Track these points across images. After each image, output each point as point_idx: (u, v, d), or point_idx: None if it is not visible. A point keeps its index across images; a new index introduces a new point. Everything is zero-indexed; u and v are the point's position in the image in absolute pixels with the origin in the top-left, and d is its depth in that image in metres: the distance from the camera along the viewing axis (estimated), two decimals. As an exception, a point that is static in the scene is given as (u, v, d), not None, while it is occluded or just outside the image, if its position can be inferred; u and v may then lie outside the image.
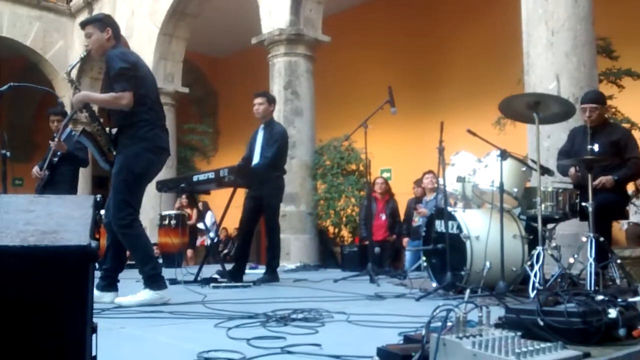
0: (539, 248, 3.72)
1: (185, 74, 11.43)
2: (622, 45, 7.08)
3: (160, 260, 6.78)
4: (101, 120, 3.75)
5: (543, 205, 3.90)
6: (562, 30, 5.14)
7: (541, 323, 1.95)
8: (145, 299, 3.52)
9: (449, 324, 1.59)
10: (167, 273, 3.79)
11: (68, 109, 8.74)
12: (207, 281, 4.94)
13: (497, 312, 2.23)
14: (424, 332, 1.60)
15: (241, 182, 5.02)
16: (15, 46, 12.40)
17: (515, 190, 4.09)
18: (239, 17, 11.15)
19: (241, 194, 5.55)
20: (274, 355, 2.01)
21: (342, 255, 7.86)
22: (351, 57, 11.32)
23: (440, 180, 4.36)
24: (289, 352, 2.05)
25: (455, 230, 4.13)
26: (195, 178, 5.25)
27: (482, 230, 4.02)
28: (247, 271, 5.61)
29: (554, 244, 4.10)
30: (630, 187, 6.35)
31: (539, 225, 3.80)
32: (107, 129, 3.75)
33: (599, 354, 1.84)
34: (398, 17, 10.93)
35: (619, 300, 2.12)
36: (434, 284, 4.22)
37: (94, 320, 1.45)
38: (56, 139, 5.67)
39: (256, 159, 5.45)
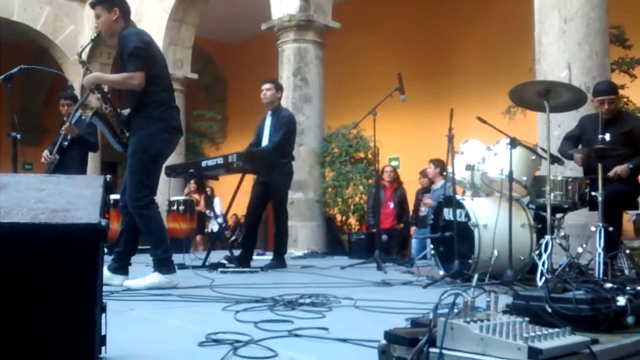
0: (548, 237, 3.71)
1: (195, 60, 11.41)
2: (636, 34, 7.00)
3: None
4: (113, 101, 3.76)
5: (552, 195, 3.88)
6: (575, 18, 5.08)
7: (549, 310, 1.95)
8: (154, 282, 3.55)
9: (456, 309, 1.59)
10: (175, 258, 3.81)
11: (78, 94, 8.76)
12: (214, 266, 4.97)
13: (505, 299, 2.23)
14: (431, 316, 1.60)
15: (250, 168, 5.03)
16: (26, 30, 12.42)
17: (525, 179, 4.07)
18: (248, 3, 11.10)
19: (249, 180, 5.56)
20: (281, 337, 2.02)
21: (349, 242, 7.88)
22: (361, 44, 11.27)
23: (449, 168, 4.35)
24: (297, 335, 2.06)
25: (463, 219, 4.11)
26: (204, 164, 5.27)
27: (490, 219, 4.00)
28: (254, 257, 5.64)
29: (562, 234, 4.08)
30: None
31: (548, 214, 3.78)
32: (119, 110, 3.76)
33: (607, 340, 1.83)
34: (408, 4, 10.84)
35: (628, 288, 2.11)
36: (441, 272, 4.21)
37: (104, 301, 1.46)
38: (67, 123, 5.69)
39: (264, 144, 5.45)
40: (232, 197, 5.54)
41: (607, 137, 4.14)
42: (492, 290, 1.78)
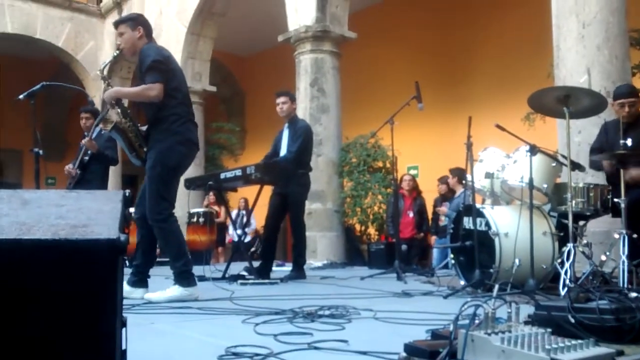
0: (570, 245, 3.65)
1: (213, 72, 11.53)
2: (657, 37, 6.88)
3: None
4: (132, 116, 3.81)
5: (574, 202, 3.82)
6: (594, 23, 5.03)
7: (572, 320, 1.91)
8: (175, 295, 3.56)
9: (477, 320, 1.58)
10: (195, 270, 3.83)
11: (99, 108, 8.88)
12: (234, 278, 4.98)
13: (527, 309, 2.20)
14: (451, 328, 1.59)
15: (267, 179, 5.05)
16: (48, 47, 12.68)
17: (545, 186, 4.02)
18: (265, 15, 11.20)
19: (268, 191, 5.58)
20: (301, 350, 2.01)
21: (368, 252, 7.84)
22: (377, 53, 11.27)
23: (468, 177, 4.31)
24: (316, 348, 2.05)
25: (483, 227, 4.07)
26: (222, 175, 5.30)
27: (511, 227, 3.96)
28: (274, 268, 5.64)
29: (585, 241, 4.01)
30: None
31: (570, 222, 3.72)
32: (139, 125, 3.81)
33: (633, 352, 1.79)
34: (424, 12, 10.83)
35: (654, 297, 2.07)
36: (462, 282, 4.17)
37: (124, 315, 1.47)
38: (87, 138, 5.77)
39: (282, 155, 5.47)
40: (250, 208, 5.56)
41: (629, 142, 4.07)
42: (513, 301, 1.76)
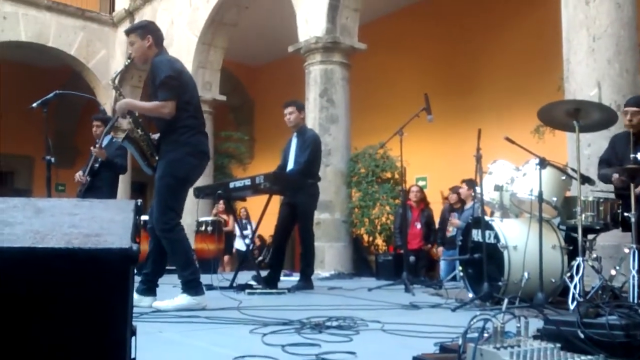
0: (579, 259, 3.62)
1: (223, 82, 11.59)
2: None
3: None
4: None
5: (583, 215, 3.80)
6: (604, 36, 5.02)
7: (582, 335, 1.90)
8: (183, 304, 3.57)
9: (486, 334, 1.57)
10: (203, 279, 3.84)
11: (110, 116, 8.94)
12: (242, 287, 4.99)
13: (536, 324, 2.19)
14: (460, 341, 1.58)
15: (276, 188, 5.07)
16: (61, 56, 12.81)
17: (555, 199, 4.01)
18: (275, 26, 11.27)
19: (277, 200, 5.60)
20: (308, 361, 2.02)
21: (376, 263, 7.82)
22: (387, 65, 11.30)
23: (477, 189, 4.30)
24: None
25: (492, 240, 4.06)
26: (231, 185, 5.33)
27: (520, 240, 3.94)
28: (281, 278, 5.64)
29: (594, 255, 3.99)
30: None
31: (579, 235, 3.70)
32: (150, 134, 3.84)
33: (643, 368, 1.78)
34: (434, 24, 10.86)
35: (664, 313, 2.05)
36: (471, 295, 4.15)
37: (133, 323, 1.48)
38: (97, 146, 5.81)
39: (290, 166, 5.49)
40: (259, 218, 5.57)
41: (639, 156, 4.06)
42: (522, 315, 1.75)
